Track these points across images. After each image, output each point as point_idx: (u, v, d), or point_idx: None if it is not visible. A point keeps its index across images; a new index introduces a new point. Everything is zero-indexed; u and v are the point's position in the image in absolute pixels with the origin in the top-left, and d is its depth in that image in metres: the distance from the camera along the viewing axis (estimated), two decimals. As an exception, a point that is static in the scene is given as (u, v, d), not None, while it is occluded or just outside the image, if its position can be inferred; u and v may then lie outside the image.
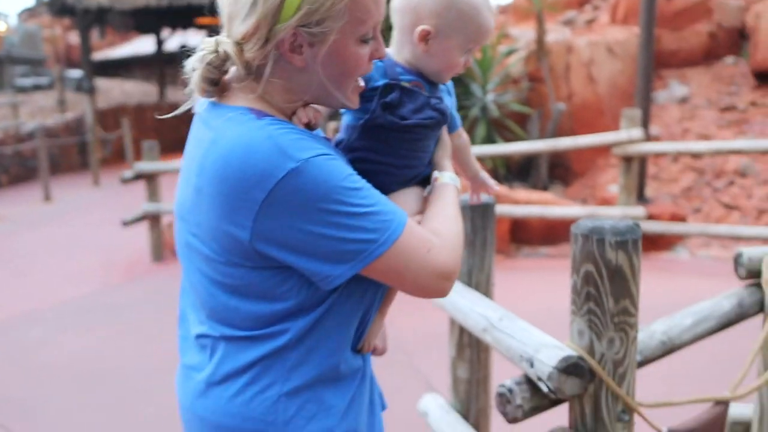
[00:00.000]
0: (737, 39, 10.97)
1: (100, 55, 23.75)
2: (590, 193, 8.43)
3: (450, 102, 1.26)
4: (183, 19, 17.85)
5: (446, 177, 1.21)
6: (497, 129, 8.95)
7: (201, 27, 19.81)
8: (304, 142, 0.99)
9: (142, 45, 24.47)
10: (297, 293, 1.06)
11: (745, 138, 8.30)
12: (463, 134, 1.37)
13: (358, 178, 1.02)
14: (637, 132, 5.56)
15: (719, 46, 10.86)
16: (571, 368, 1.33)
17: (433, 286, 1.05)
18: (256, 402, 1.08)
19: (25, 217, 9.86)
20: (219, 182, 0.99)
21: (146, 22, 18.06)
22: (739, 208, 7.21)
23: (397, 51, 1.22)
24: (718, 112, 9.22)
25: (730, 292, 1.93)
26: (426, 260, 1.03)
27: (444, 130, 1.28)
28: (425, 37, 1.16)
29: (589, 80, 9.62)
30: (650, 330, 1.65)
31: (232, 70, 1.08)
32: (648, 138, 6.45)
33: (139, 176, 6.69)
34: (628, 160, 5.65)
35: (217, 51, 1.04)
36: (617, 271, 1.31)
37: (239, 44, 1.02)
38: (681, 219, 6.51)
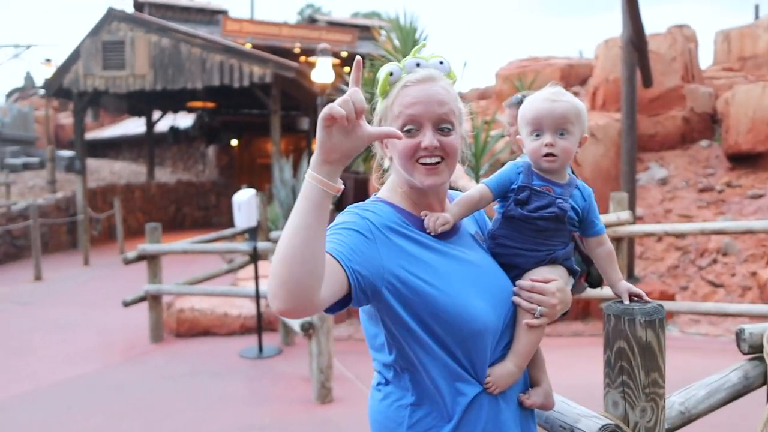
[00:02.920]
0: (710, 123, 11.56)
1: (90, 135, 24.13)
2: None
3: (583, 206, 1.54)
4: (174, 102, 18.35)
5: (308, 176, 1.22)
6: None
7: (191, 110, 20.36)
8: (350, 217, 1.39)
9: (132, 125, 24.92)
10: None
11: (723, 217, 8.65)
12: (605, 242, 1.59)
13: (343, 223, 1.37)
14: (625, 214, 5.84)
15: (693, 130, 11.42)
16: (609, 435, 1.48)
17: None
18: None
19: (17, 296, 9.83)
20: None
21: (139, 104, 18.53)
22: (724, 286, 7.47)
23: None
24: (697, 192, 9.63)
25: (736, 366, 2.11)
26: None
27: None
28: (519, 142, 1.59)
29: (574, 164, 10.00)
30: (669, 401, 1.81)
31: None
32: (635, 219, 6.74)
33: (141, 257, 6.79)
34: (617, 240, 5.90)
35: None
36: (647, 347, 1.48)
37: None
38: (670, 297, 6.73)
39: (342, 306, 1.32)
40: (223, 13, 21.55)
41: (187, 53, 14.19)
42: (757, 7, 18.37)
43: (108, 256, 13.66)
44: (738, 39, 15.26)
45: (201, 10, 21.58)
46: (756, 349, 2.14)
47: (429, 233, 1.45)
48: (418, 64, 1.46)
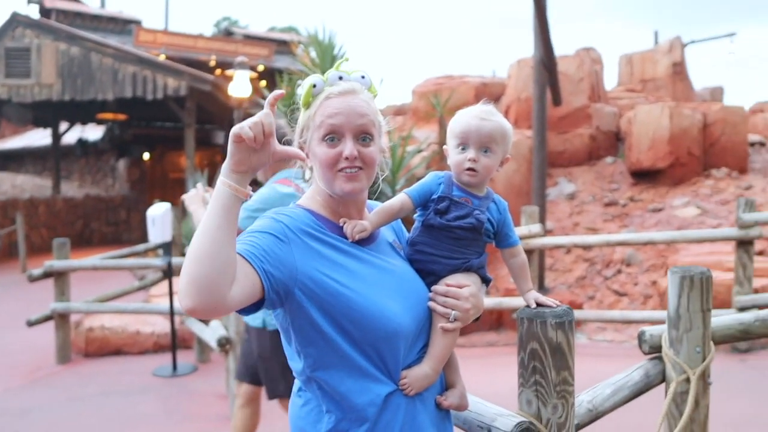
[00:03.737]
0: (614, 141, 12.20)
1: (-11, 147, 22.85)
2: (494, 284, 8.91)
3: (498, 218, 1.60)
4: (83, 113, 17.66)
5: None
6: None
7: (101, 122, 19.61)
8: (264, 221, 1.40)
9: (36, 137, 23.73)
10: None
11: (627, 230, 9.13)
12: (519, 253, 1.66)
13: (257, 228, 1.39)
14: (536, 227, 6.07)
15: (599, 147, 12.02)
16: (524, 432, 1.55)
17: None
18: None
19: None
20: None
21: (44, 115, 17.71)
22: (628, 294, 7.87)
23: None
24: (603, 206, 10.11)
25: (638, 365, 2.24)
26: None
27: None
28: (446, 153, 1.63)
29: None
30: (579, 399, 1.90)
31: None
32: (545, 232, 7.01)
33: (47, 274, 6.47)
34: (529, 252, 6.12)
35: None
36: (558, 348, 1.56)
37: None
38: (578, 306, 7.03)
39: (257, 307, 1.35)
40: (136, 23, 20.96)
41: (98, 63, 13.71)
42: (656, 33, 19.58)
43: (8, 274, 12.92)
44: (639, 62, 16.22)
45: (113, 19, 20.91)
46: (656, 349, 2.29)
47: (347, 239, 1.48)
48: (340, 77, 1.51)
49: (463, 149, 1.58)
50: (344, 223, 1.50)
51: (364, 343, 1.41)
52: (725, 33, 19.15)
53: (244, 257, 1.29)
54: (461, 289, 1.53)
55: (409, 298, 1.50)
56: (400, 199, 1.59)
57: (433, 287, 1.56)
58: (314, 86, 1.49)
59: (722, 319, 2.41)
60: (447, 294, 1.53)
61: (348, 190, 1.46)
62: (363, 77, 1.54)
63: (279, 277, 1.33)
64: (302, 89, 1.51)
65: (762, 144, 11.76)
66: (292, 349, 1.47)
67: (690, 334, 2.19)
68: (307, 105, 1.51)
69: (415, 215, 1.63)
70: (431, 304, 1.53)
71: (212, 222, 1.23)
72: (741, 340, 2.47)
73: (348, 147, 1.44)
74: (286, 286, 1.35)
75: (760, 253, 7.64)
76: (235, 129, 1.23)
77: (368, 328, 1.40)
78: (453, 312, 1.51)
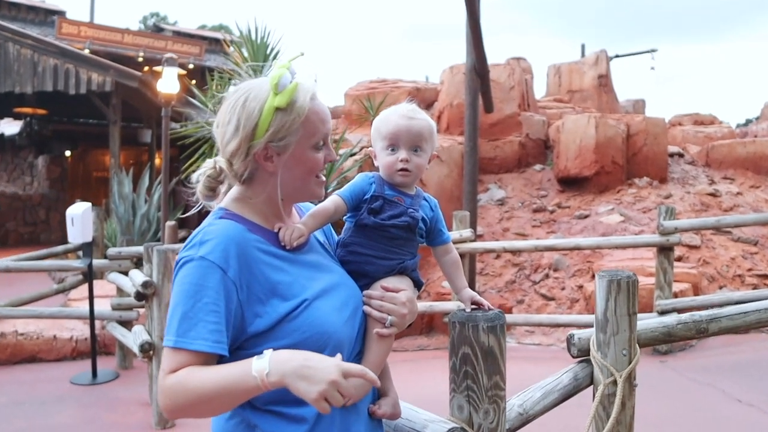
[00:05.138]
0: (543, 149, 12.49)
1: None
2: (424, 288, 8.95)
3: (431, 216, 1.57)
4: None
5: (258, 364, 1.23)
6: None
7: (19, 116, 18.69)
8: (198, 276, 1.29)
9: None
10: None
11: (555, 236, 9.35)
12: (451, 250, 1.65)
13: (198, 287, 1.29)
14: (467, 232, 6.13)
15: (528, 154, 12.27)
16: (454, 439, 1.52)
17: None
18: None
19: None
20: None
21: (-44, 108, 16.74)
22: (555, 299, 8.04)
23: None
24: (531, 212, 10.33)
25: (567, 368, 2.26)
26: (160, 378, 1.29)
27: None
28: (373, 156, 1.60)
29: (420, 183, 10.35)
30: (509, 403, 1.89)
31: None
32: (476, 237, 7.09)
33: (-46, 275, 6.08)
34: (460, 257, 6.15)
35: (214, 167, 1.43)
36: (490, 352, 1.54)
37: (229, 160, 1.39)
38: (508, 310, 7.13)
39: None
40: (60, 14, 20.09)
41: (15, 54, 13.04)
42: (583, 46, 20.22)
43: None
44: (567, 73, 16.70)
45: (33, 9, 19.98)
46: (584, 353, 2.32)
47: (284, 246, 1.42)
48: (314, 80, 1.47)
49: (392, 150, 1.55)
50: (279, 228, 1.43)
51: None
52: (647, 49, 19.97)
53: (205, 352, 1.28)
54: (398, 293, 1.49)
55: (347, 304, 1.45)
56: (333, 201, 1.54)
57: (368, 291, 1.51)
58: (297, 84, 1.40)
59: (646, 322, 2.46)
60: (383, 298, 1.49)
61: (321, 194, 1.48)
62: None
63: (233, 337, 1.32)
64: (281, 84, 1.37)
65: (680, 155, 12.29)
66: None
67: (617, 337, 2.23)
68: (288, 104, 1.37)
69: (345, 216, 1.59)
70: (367, 308, 1.49)
71: (232, 395, 1.23)
72: (664, 342, 2.53)
73: (332, 152, 1.47)
74: (236, 337, 1.33)
75: (679, 259, 7.96)
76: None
77: (310, 341, 1.34)
78: (389, 317, 1.47)
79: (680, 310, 5.97)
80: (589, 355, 2.31)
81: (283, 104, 1.36)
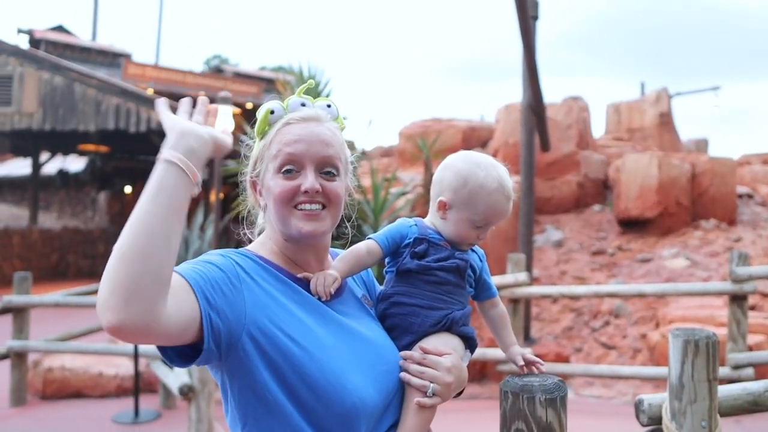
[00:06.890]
0: (602, 189, 12.08)
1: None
2: (478, 334, 8.60)
3: (480, 266, 1.42)
4: (64, 143, 17.40)
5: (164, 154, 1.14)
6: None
7: (83, 153, 19.34)
8: (212, 256, 1.18)
9: (16, 166, 23.39)
10: None
11: (615, 280, 8.90)
12: (498, 304, 1.47)
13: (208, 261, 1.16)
14: (522, 275, 5.82)
15: (587, 194, 11.88)
16: None
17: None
18: None
19: None
20: None
21: (24, 144, 17.42)
22: (616, 347, 7.58)
23: (430, 216, 1.43)
24: (590, 255, 9.90)
25: (639, 443, 1.97)
26: None
27: None
28: (443, 208, 1.38)
29: (473, 222, 10.12)
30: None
31: None
32: (531, 280, 6.77)
33: (5, 310, 6.10)
34: (514, 302, 5.85)
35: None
36: (548, 429, 1.30)
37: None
38: (565, 359, 6.74)
39: (190, 359, 1.10)
40: (126, 56, 20.90)
41: (81, 93, 13.51)
42: (642, 85, 19.75)
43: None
44: (627, 112, 16.28)
45: (102, 52, 20.86)
46: (655, 421, 2.04)
47: (319, 299, 1.24)
48: (303, 104, 1.31)
49: (478, 227, 1.39)
50: (306, 278, 1.26)
51: (320, 416, 1.15)
52: (709, 86, 19.33)
53: (185, 279, 1.07)
54: (442, 357, 1.28)
55: (375, 367, 1.24)
56: (366, 243, 1.37)
57: (405, 352, 1.30)
58: (272, 112, 1.29)
59: (728, 388, 2.16)
60: (423, 362, 1.28)
61: (307, 231, 1.23)
62: (329, 106, 1.34)
63: (222, 324, 1.08)
64: (258, 115, 1.30)
65: (750, 196, 11.68)
66: (229, 415, 1.21)
67: (695, 405, 1.94)
68: (263, 134, 1.30)
69: (386, 268, 1.41)
70: (404, 375, 1.28)
71: (152, 210, 1.00)
72: (749, 412, 2.21)
73: (309, 179, 1.22)
74: (229, 337, 1.09)
75: (752, 308, 7.42)
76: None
77: (323, 399, 1.14)
78: (431, 385, 1.26)
79: (756, 365, 5.50)
80: (661, 423, 2.02)
81: (258, 132, 1.30)
